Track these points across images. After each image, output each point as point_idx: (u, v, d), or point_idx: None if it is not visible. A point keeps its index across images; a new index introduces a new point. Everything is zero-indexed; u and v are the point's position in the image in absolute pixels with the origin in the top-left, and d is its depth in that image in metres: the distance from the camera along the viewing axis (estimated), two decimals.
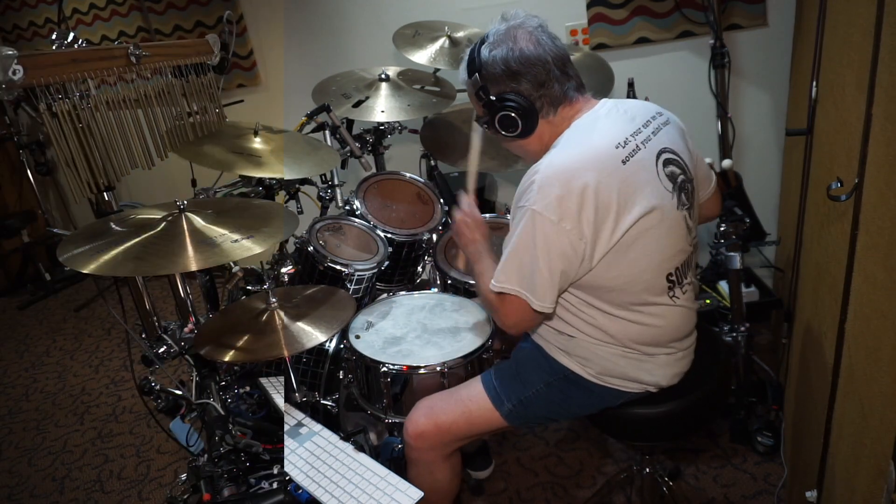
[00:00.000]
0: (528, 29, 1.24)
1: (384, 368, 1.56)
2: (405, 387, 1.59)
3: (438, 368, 1.55)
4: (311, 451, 1.31)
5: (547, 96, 1.24)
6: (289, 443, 1.37)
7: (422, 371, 1.56)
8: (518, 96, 1.23)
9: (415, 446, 1.42)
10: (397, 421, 1.61)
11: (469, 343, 1.62)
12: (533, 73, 1.22)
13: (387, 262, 2.00)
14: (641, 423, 1.36)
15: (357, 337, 1.69)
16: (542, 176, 1.16)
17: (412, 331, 1.71)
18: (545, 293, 1.18)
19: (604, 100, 1.30)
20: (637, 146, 1.20)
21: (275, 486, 1.29)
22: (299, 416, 1.46)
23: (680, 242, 1.26)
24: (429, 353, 1.60)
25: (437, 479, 1.46)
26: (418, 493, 1.13)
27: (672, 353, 1.32)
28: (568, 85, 1.26)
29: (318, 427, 1.41)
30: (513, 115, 1.24)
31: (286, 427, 1.43)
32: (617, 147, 1.18)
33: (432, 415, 1.40)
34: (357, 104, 2.22)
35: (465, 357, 1.57)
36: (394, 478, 1.18)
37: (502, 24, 1.25)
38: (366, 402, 1.69)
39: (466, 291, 1.93)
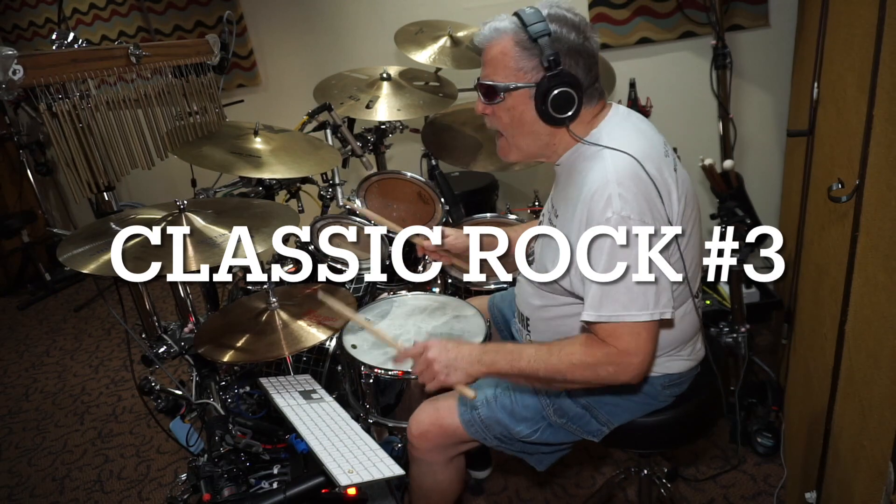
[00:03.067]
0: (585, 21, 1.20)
1: (363, 369, 1.54)
2: (385, 389, 1.57)
3: (413, 376, 1.48)
4: (317, 413, 1.37)
5: (596, 90, 1.21)
6: (299, 400, 1.42)
7: (390, 374, 1.52)
8: (577, 78, 1.16)
9: (417, 446, 1.40)
10: (379, 420, 1.59)
11: None
12: (590, 63, 1.18)
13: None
14: (639, 433, 1.35)
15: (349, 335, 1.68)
16: (615, 182, 1.09)
17: (405, 333, 1.67)
18: (662, 294, 1.09)
19: (613, 104, 1.28)
20: (675, 160, 1.22)
21: (275, 486, 1.29)
22: (315, 385, 1.53)
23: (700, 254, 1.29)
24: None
25: (439, 480, 1.46)
26: (399, 471, 1.16)
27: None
28: (599, 85, 1.23)
29: (328, 397, 1.47)
30: (573, 92, 1.13)
31: (300, 388, 1.48)
32: (666, 155, 1.20)
33: (436, 416, 1.39)
34: (369, 105, 2.23)
35: None
36: (382, 453, 1.22)
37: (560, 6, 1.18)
38: (353, 400, 1.67)
39: (467, 291, 1.93)
